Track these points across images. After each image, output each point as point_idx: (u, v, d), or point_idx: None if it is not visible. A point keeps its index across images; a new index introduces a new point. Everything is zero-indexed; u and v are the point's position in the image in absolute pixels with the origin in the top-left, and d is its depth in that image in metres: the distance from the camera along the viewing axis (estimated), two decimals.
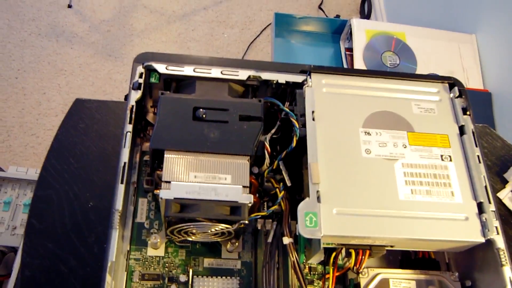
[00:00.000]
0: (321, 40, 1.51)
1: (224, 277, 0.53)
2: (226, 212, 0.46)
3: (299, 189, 0.54)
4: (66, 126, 0.61)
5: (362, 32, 1.29)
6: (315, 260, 0.53)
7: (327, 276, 0.53)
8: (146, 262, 0.53)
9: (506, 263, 0.47)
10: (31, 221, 0.55)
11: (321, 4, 1.91)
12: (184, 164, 0.48)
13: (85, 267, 0.54)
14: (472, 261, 0.52)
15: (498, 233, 0.48)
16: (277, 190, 0.52)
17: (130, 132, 0.49)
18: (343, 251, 0.53)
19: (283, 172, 0.53)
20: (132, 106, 0.50)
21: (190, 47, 1.75)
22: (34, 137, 1.53)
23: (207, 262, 0.54)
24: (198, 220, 0.47)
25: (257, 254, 0.55)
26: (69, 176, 0.58)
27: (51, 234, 0.55)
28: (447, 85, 0.57)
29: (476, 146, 0.52)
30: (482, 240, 0.48)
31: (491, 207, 0.49)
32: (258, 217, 0.50)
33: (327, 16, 1.85)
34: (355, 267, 0.50)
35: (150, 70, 0.54)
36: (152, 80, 0.54)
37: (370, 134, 0.52)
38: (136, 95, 0.51)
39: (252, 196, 0.47)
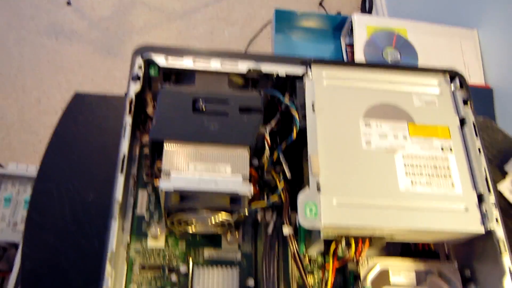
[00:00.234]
0: (321, 37, 1.51)
1: (224, 268, 0.53)
2: (226, 203, 0.46)
3: (299, 182, 0.54)
4: (65, 120, 0.61)
5: (363, 28, 1.28)
6: (315, 250, 0.53)
7: (327, 267, 0.53)
8: (147, 254, 0.54)
9: (506, 252, 0.47)
10: (31, 215, 0.55)
11: (322, 1, 1.90)
12: (183, 155, 0.48)
13: (86, 261, 0.54)
14: (472, 251, 0.52)
15: (498, 224, 0.48)
16: (277, 181, 0.52)
17: (129, 123, 0.49)
18: (343, 242, 0.53)
19: (283, 164, 0.53)
20: (132, 98, 0.50)
21: (190, 44, 1.75)
22: (34, 134, 1.53)
23: (207, 253, 0.54)
24: (198, 211, 0.47)
25: (257, 246, 0.55)
26: (69, 170, 0.58)
27: (51, 227, 0.55)
28: (448, 77, 0.57)
29: (477, 138, 0.52)
30: (482, 231, 0.48)
31: (491, 198, 0.49)
32: (258, 208, 0.50)
33: (328, 13, 1.85)
34: (355, 257, 0.50)
35: (149, 63, 0.54)
36: (152, 72, 0.54)
37: (370, 126, 0.52)
38: (135, 86, 0.51)
39: (252, 186, 0.47)
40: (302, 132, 0.51)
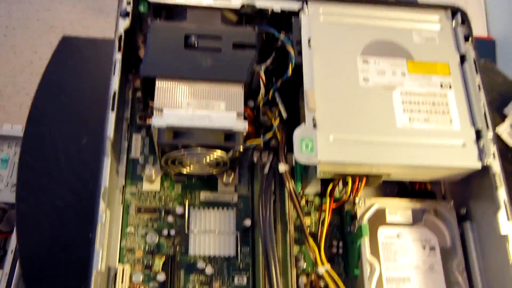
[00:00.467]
0: None
1: (220, 209, 0.53)
2: (220, 139, 0.45)
3: (295, 123, 0.53)
4: (54, 64, 0.59)
5: None
6: (311, 190, 0.53)
7: (323, 207, 0.53)
8: (142, 196, 0.53)
9: (501, 185, 0.46)
10: (24, 157, 0.54)
11: None
12: (176, 91, 0.47)
13: (82, 203, 0.54)
14: (468, 190, 0.52)
15: (495, 159, 0.48)
16: (273, 120, 0.51)
17: (119, 60, 0.47)
18: (340, 183, 0.53)
19: (279, 104, 0.52)
20: (121, 34, 0.48)
21: None
22: (28, 97, 1.51)
23: (203, 195, 0.54)
24: (192, 148, 0.46)
25: (253, 188, 0.55)
26: (61, 113, 0.57)
27: (45, 170, 0.54)
28: (449, 13, 0.55)
29: (477, 74, 0.51)
30: (479, 166, 0.48)
31: (489, 134, 0.48)
32: (253, 145, 0.49)
33: None
34: (351, 195, 0.50)
35: None
36: (141, 8, 0.51)
37: (368, 63, 0.51)
38: (124, 23, 0.49)
39: (246, 123, 0.46)
40: (298, 69, 0.49)
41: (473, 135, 0.49)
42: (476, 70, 0.51)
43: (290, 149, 0.49)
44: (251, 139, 0.49)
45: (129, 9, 0.50)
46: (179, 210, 0.52)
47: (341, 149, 0.47)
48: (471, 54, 0.52)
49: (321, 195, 0.56)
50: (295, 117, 0.53)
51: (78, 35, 1.59)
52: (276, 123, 0.50)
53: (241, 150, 0.46)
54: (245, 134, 0.46)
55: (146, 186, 0.54)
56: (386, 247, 0.50)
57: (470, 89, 0.51)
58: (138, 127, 0.56)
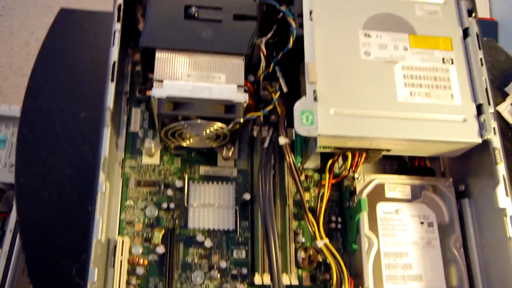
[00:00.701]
0: None
1: (220, 183, 0.53)
2: (220, 111, 0.45)
3: (295, 98, 0.53)
4: (52, 37, 0.58)
5: None
6: (311, 164, 0.53)
7: (323, 182, 0.53)
8: (142, 170, 0.53)
9: (501, 161, 0.47)
10: (22, 131, 0.54)
11: None
12: (176, 62, 0.46)
13: (80, 176, 0.53)
14: (467, 166, 0.52)
15: (495, 134, 0.48)
16: (273, 94, 0.50)
17: (118, 30, 0.47)
18: (340, 159, 0.53)
19: (279, 78, 0.52)
20: (120, 3, 0.48)
21: None
22: (25, 77, 1.49)
23: (203, 170, 0.54)
24: (192, 120, 0.46)
25: (253, 163, 0.54)
26: (59, 86, 0.56)
27: (44, 143, 0.54)
28: None
29: (480, 49, 0.51)
30: (479, 140, 0.48)
31: (490, 109, 0.48)
32: (253, 117, 0.49)
33: None
34: (351, 170, 0.50)
35: None
36: None
37: (370, 36, 0.50)
38: None
39: (247, 95, 0.46)
40: (299, 42, 0.49)
41: (474, 110, 0.49)
42: (479, 45, 0.51)
43: (290, 124, 0.49)
44: (251, 112, 0.49)
45: None
46: (178, 183, 0.52)
47: (342, 123, 0.46)
48: (474, 29, 0.51)
49: (320, 171, 0.56)
50: (296, 92, 0.52)
51: None
52: (276, 96, 0.50)
53: (242, 122, 0.46)
54: (245, 106, 0.46)
55: (145, 160, 0.54)
56: (385, 223, 0.51)
57: (472, 64, 0.50)
58: (137, 101, 0.56)
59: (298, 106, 0.46)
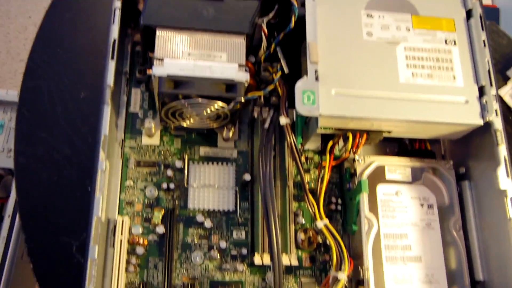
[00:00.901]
0: None
1: (220, 164, 0.53)
2: (221, 90, 0.45)
3: (296, 79, 0.52)
4: (51, 17, 0.57)
5: None
6: (311, 145, 0.53)
7: (323, 164, 0.53)
8: (141, 150, 0.53)
9: (502, 142, 0.46)
10: (22, 111, 0.53)
11: None
12: (177, 41, 0.46)
13: (80, 156, 0.53)
14: (468, 149, 0.52)
15: (497, 116, 0.47)
16: (274, 74, 0.50)
17: (119, 8, 0.46)
18: (340, 141, 0.53)
19: (280, 58, 0.51)
20: None
21: None
22: (23, 63, 1.48)
23: (203, 151, 0.54)
24: (192, 99, 0.45)
25: (253, 144, 0.54)
26: (58, 66, 0.56)
27: (43, 123, 0.53)
28: None
29: (483, 30, 0.50)
30: (481, 122, 0.47)
31: (492, 91, 0.48)
32: (254, 97, 0.49)
33: None
34: (351, 151, 0.50)
35: None
36: None
37: (372, 17, 0.50)
38: None
39: (248, 74, 0.45)
40: (301, 22, 0.48)
41: (476, 92, 0.48)
42: (482, 26, 0.50)
43: (291, 105, 0.48)
44: (252, 92, 0.49)
45: None
46: (178, 164, 0.52)
47: (343, 103, 0.46)
48: (477, 10, 0.51)
49: (321, 152, 0.56)
50: (296, 73, 0.52)
51: None
52: (277, 76, 0.49)
53: (242, 101, 0.45)
54: (246, 85, 0.46)
55: (145, 140, 0.53)
56: (385, 204, 0.51)
57: (475, 46, 0.50)
58: (137, 81, 0.55)
59: (299, 85, 0.45)
